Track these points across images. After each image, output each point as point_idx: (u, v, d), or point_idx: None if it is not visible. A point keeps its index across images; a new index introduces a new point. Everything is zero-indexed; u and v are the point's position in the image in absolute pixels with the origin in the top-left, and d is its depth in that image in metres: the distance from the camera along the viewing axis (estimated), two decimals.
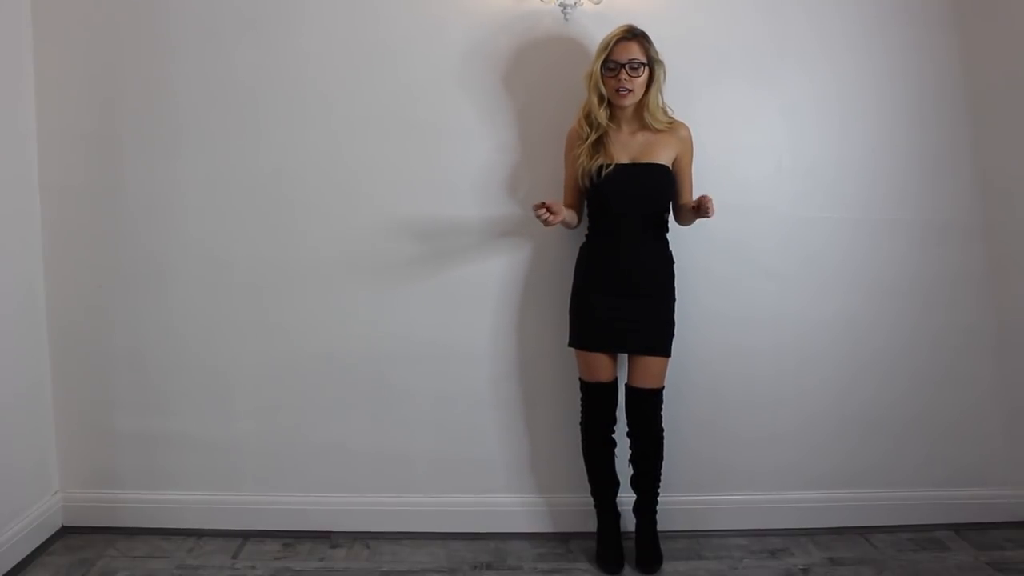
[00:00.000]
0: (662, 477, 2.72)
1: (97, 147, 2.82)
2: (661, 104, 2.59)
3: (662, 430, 2.67)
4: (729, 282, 2.83)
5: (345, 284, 2.87)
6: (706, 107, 2.77)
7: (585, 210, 2.70)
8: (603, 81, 2.52)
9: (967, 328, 2.93)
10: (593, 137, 2.56)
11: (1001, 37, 2.86)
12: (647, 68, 2.51)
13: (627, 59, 2.48)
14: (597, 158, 2.55)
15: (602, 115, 2.55)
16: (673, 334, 2.64)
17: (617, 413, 2.71)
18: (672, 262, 2.65)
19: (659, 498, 2.73)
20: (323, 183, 2.83)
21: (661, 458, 2.69)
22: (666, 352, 2.61)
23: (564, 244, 2.82)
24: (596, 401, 2.67)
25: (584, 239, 2.69)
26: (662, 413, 2.67)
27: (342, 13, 2.78)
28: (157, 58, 2.79)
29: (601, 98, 2.54)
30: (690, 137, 2.62)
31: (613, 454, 2.72)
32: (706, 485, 2.89)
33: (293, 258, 2.85)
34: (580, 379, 2.70)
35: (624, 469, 2.75)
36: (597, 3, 2.67)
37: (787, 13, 2.80)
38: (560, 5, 2.68)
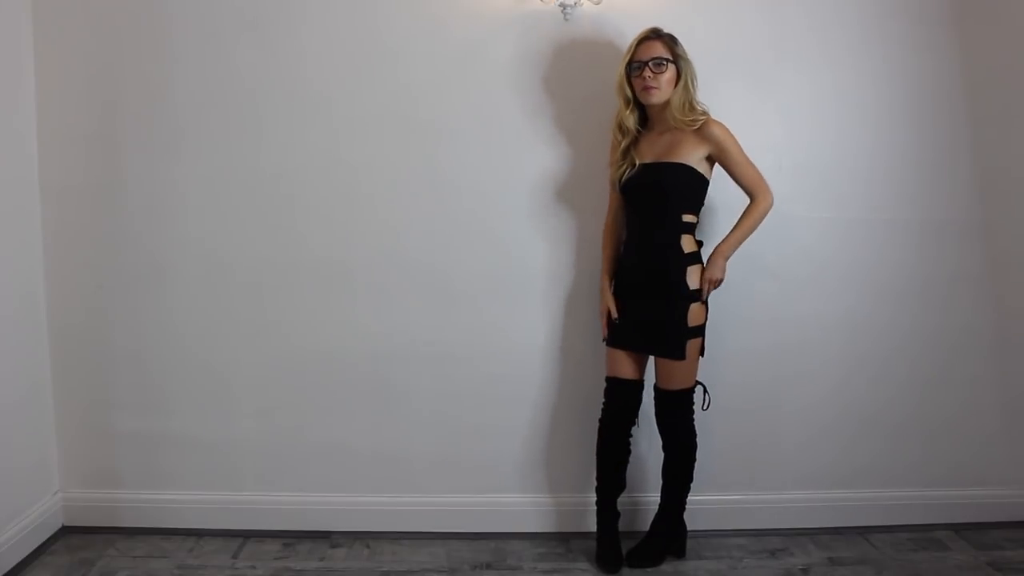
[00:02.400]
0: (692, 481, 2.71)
1: (97, 147, 2.82)
2: (699, 105, 2.56)
3: (691, 432, 2.66)
4: (728, 281, 2.81)
5: (345, 284, 2.87)
6: (706, 106, 2.77)
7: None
8: (630, 82, 2.54)
9: (966, 327, 2.93)
10: (625, 143, 2.59)
11: (1001, 37, 2.86)
12: (673, 66, 2.52)
13: (650, 57, 2.50)
14: (624, 164, 2.59)
15: (631, 120, 2.57)
16: (691, 337, 2.58)
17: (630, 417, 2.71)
18: (692, 263, 2.58)
19: (686, 504, 2.73)
20: (323, 183, 2.83)
21: (688, 458, 2.68)
22: (675, 355, 2.57)
23: (564, 243, 2.82)
24: (613, 397, 2.67)
25: (624, 238, 2.72)
26: (692, 415, 2.67)
27: (342, 13, 2.78)
28: (157, 59, 2.79)
29: (627, 101, 2.56)
30: (724, 133, 2.54)
31: (626, 459, 2.71)
32: (706, 485, 2.88)
33: (293, 258, 2.85)
34: (605, 376, 2.71)
35: (630, 472, 2.76)
36: (597, 3, 2.68)
37: (786, 13, 2.81)
38: (560, 5, 2.68)
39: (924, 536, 2.88)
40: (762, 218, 2.59)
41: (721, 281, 2.60)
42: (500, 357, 2.89)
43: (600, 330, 2.73)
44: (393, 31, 2.79)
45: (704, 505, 2.88)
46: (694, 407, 2.68)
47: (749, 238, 2.61)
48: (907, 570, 2.67)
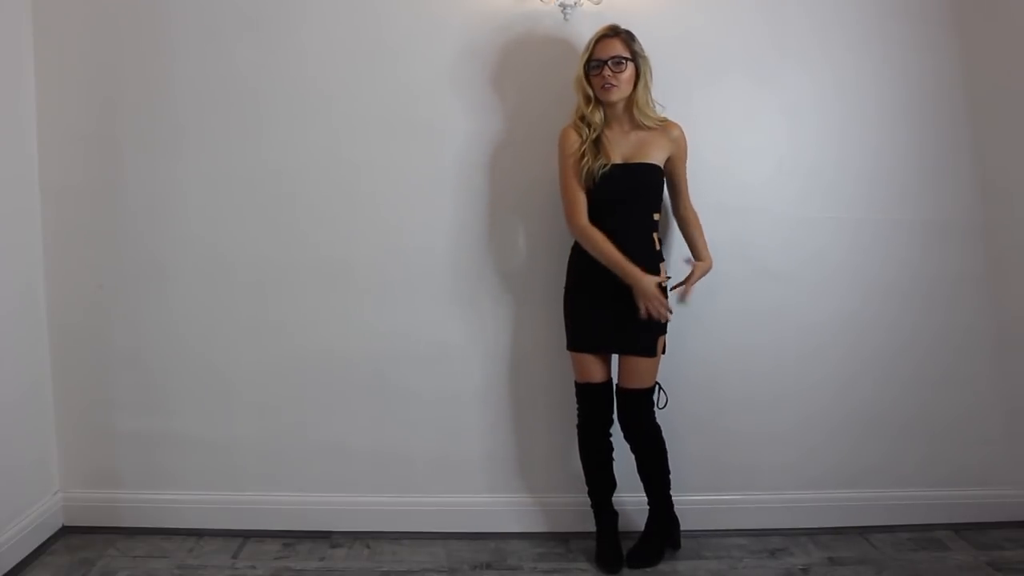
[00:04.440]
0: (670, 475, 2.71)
1: (97, 147, 2.82)
2: (651, 102, 2.59)
3: (657, 428, 2.66)
4: (729, 282, 2.83)
5: (346, 283, 2.87)
6: (706, 107, 2.78)
7: None
8: (589, 80, 2.54)
9: (967, 328, 2.93)
10: (593, 136, 2.56)
11: (1001, 37, 2.86)
12: (632, 64, 2.52)
13: (609, 56, 2.50)
14: (599, 158, 2.56)
15: (596, 116, 2.56)
16: (660, 333, 2.62)
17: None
18: (660, 259, 2.63)
19: (672, 498, 2.73)
20: (324, 182, 2.84)
21: (661, 459, 2.68)
22: (649, 352, 2.59)
23: (564, 244, 2.81)
24: (589, 402, 2.67)
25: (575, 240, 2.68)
26: (654, 413, 2.66)
27: (342, 13, 2.78)
28: (157, 58, 2.79)
29: (588, 98, 2.56)
30: (683, 137, 2.61)
31: (611, 457, 2.72)
32: (706, 485, 2.89)
33: (294, 257, 2.85)
34: (575, 381, 2.70)
35: (621, 469, 2.74)
36: (597, 3, 2.68)
37: (787, 13, 2.81)
38: (560, 5, 2.68)
39: (924, 536, 2.87)
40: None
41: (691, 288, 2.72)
42: (500, 356, 2.89)
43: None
44: (393, 31, 2.80)
45: (704, 505, 2.88)
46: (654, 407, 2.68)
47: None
48: (907, 570, 2.66)
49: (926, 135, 2.86)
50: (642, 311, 2.52)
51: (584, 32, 2.73)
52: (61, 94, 2.80)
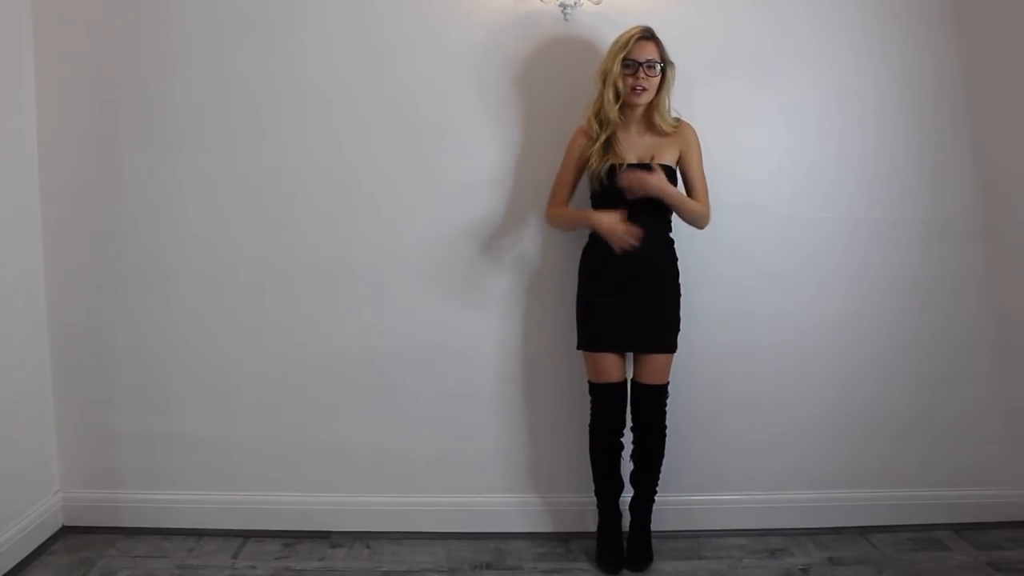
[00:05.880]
0: (661, 476, 2.72)
1: (97, 147, 2.82)
2: (669, 107, 2.60)
3: (665, 427, 2.67)
4: (729, 282, 2.83)
5: (346, 283, 2.87)
6: (706, 107, 2.77)
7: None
8: (621, 79, 2.52)
9: (967, 328, 2.93)
10: (604, 136, 2.56)
11: (1001, 37, 2.86)
12: (662, 69, 2.53)
13: (645, 58, 2.50)
14: (607, 159, 2.55)
15: (615, 112, 2.54)
16: (679, 330, 2.65)
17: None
18: (676, 259, 2.66)
19: (657, 497, 2.73)
20: (324, 183, 2.84)
21: (663, 455, 2.69)
22: (672, 348, 2.63)
23: (566, 243, 2.81)
24: (607, 402, 2.66)
25: (587, 240, 2.68)
26: (666, 410, 2.68)
27: (343, 14, 2.78)
28: (158, 58, 2.79)
29: (617, 95, 2.54)
30: (695, 137, 2.62)
31: (620, 457, 2.72)
32: (706, 485, 2.89)
33: (294, 257, 2.85)
34: (589, 381, 2.69)
35: (624, 466, 2.75)
36: (597, 3, 2.68)
37: (787, 13, 2.81)
38: (560, 5, 2.68)
39: (924, 536, 2.88)
40: (701, 217, 2.62)
41: (643, 187, 2.47)
42: (501, 356, 2.89)
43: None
44: (393, 31, 2.80)
45: (704, 505, 2.89)
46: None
47: (696, 219, 2.63)
48: (907, 570, 2.67)
49: (926, 135, 2.86)
50: (616, 248, 2.48)
51: (584, 32, 2.74)
52: (61, 94, 2.80)
